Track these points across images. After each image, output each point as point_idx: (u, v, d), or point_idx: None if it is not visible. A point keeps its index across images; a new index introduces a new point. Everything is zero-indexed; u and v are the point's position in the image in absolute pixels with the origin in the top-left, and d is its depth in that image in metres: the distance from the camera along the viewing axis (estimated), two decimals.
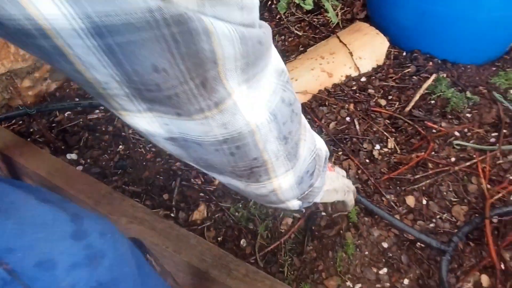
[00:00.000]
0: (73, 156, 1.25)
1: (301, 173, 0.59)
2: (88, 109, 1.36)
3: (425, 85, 1.36)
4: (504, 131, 1.30)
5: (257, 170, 0.53)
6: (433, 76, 1.38)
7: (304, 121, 0.59)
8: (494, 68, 1.51)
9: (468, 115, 1.34)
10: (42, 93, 1.41)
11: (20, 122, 1.34)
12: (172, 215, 1.14)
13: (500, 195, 1.14)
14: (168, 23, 0.32)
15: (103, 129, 1.31)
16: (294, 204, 0.65)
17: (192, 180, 1.20)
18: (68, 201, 0.54)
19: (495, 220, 1.13)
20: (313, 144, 0.61)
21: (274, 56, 0.47)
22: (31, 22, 0.30)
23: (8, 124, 1.33)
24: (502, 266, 1.05)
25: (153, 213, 1.02)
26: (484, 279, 1.04)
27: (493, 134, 1.30)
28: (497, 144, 1.25)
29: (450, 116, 1.33)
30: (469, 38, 1.40)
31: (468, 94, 1.38)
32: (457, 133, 1.30)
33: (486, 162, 1.22)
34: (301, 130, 0.56)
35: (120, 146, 1.27)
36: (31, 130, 1.31)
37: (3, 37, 0.33)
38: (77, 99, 1.40)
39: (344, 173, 0.93)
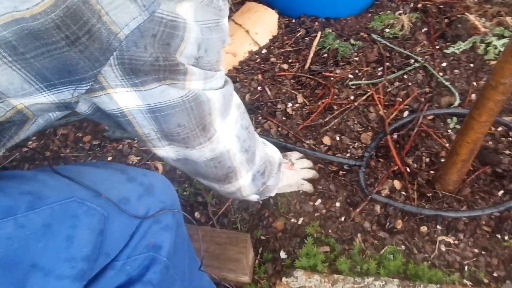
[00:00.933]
0: None
1: (254, 172, 0.89)
2: (21, 142, 1.42)
3: (315, 43, 1.57)
4: (387, 64, 1.55)
5: (230, 175, 0.83)
6: (319, 34, 1.59)
7: (257, 137, 0.90)
8: (369, 15, 1.76)
9: (356, 58, 1.57)
10: None
11: None
12: None
13: (394, 114, 1.38)
14: (190, 100, 0.62)
15: (41, 156, 1.38)
16: (254, 197, 0.97)
17: None
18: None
19: (395, 136, 1.36)
20: (264, 152, 0.93)
21: (235, 95, 0.76)
22: (120, 111, 0.59)
23: None
24: (408, 170, 1.28)
25: None
26: (396, 184, 1.27)
27: (379, 69, 1.54)
28: (384, 76, 1.49)
29: (342, 63, 1.55)
30: None
31: (352, 41, 1.61)
32: (350, 76, 1.52)
33: (379, 92, 1.46)
34: (256, 144, 0.87)
35: None
36: None
37: (95, 118, 0.64)
38: None
39: (307, 163, 1.27)
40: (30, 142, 1.43)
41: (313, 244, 1.12)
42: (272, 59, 1.59)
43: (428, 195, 1.22)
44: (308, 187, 1.24)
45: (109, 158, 1.36)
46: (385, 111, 1.40)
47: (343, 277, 1.06)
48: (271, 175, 0.98)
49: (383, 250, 1.11)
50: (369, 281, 1.04)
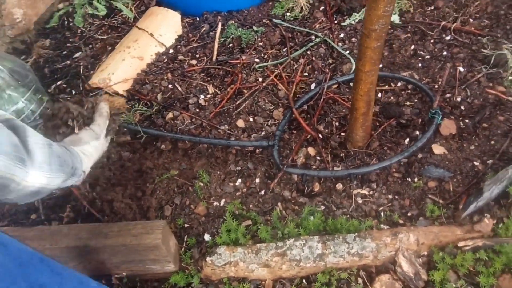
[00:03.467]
0: None
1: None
2: None
3: (217, 34, 1.60)
4: (290, 44, 1.60)
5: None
6: (220, 25, 1.63)
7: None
8: (270, 3, 1.82)
9: (260, 43, 1.61)
10: None
11: None
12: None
13: (300, 88, 1.42)
14: None
15: None
16: (69, 182, 0.84)
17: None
18: None
19: (305, 108, 1.40)
20: None
21: None
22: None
23: None
24: (321, 136, 1.32)
25: (18, 228, 1.08)
26: (311, 150, 1.30)
27: (284, 50, 1.59)
28: (287, 55, 1.54)
29: (247, 50, 1.59)
30: None
31: (255, 28, 1.65)
32: (257, 60, 1.56)
33: (285, 71, 1.50)
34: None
35: None
36: None
37: None
38: None
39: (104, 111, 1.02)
40: None
41: (233, 220, 1.12)
42: (180, 57, 1.61)
43: (341, 155, 1.26)
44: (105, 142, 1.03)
45: None
46: (290, 87, 1.44)
47: (266, 245, 1.06)
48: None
49: (303, 213, 1.13)
50: (290, 243, 1.05)
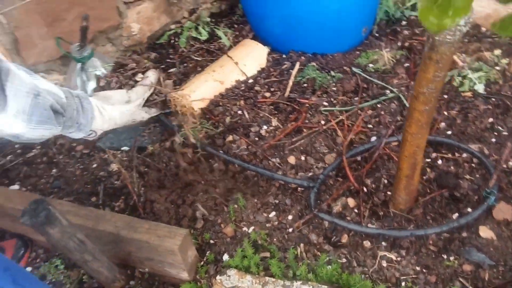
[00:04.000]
0: (15, 187, 1.49)
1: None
2: (27, 150, 1.62)
3: (294, 72, 1.68)
4: (363, 94, 1.61)
5: None
6: (298, 64, 1.71)
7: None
8: (357, 52, 1.85)
9: (334, 88, 1.65)
10: None
11: None
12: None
13: (350, 137, 1.42)
14: None
15: (39, 160, 1.57)
16: (75, 135, 0.87)
17: (113, 183, 1.45)
18: None
19: (358, 159, 1.40)
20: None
21: None
22: None
23: None
24: (366, 190, 1.30)
25: (76, 205, 1.26)
26: (350, 201, 1.29)
27: (355, 98, 1.61)
28: (356, 104, 1.55)
29: (319, 92, 1.64)
30: (324, 32, 1.75)
31: (333, 73, 1.70)
32: (325, 103, 1.60)
33: (348, 118, 1.52)
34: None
35: (54, 170, 1.53)
36: None
37: None
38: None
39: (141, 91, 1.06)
40: (34, 150, 1.63)
41: (253, 248, 1.16)
42: (257, 88, 1.72)
43: (380, 213, 1.23)
44: (140, 117, 1.09)
45: (94, 165, 1.52)
46: (348, 135, 1.45)
47: (274, 280, 1.08)
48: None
49: (321, 260, 1.13)
50: (297, 285, 1.05)
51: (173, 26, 2.15)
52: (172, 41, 2.07)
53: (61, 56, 1.69)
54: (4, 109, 0.66)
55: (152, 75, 0.98)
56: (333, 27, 1.74)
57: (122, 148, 1.56)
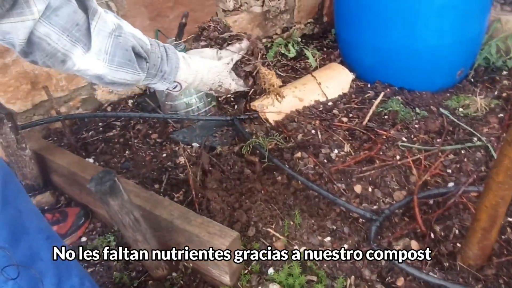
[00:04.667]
0: (90, 160, 1.59)
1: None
2: (108, 129, 1.72)
3: (376, 102, 1.63)
4: (447, 137, 1.51)
5: None
6: (382, 94, 1.65)
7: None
8: (448, 94, 1.75)
9: (416, 125, 1.57)
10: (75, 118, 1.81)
11: (55, 138, 1.72)
12: None
13: (425, 177, 1.33)
14: None
15: (116, 140, 1.66)
16: (159, 86, 0.84)
17: (178, 174, 1.49)
18: None
19: (430, 202, 1.30)
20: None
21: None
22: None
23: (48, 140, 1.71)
24: (432, 236, 1.20)
25: (139, 187, 1.30)
26: (414, 244, 1.19)
27: (438, 140, 1.51)
28: (438, 146, 1.46)
29: (399, 127, 1.56)
30: (416, 67, 1.68)
31: (417, 110, 1.62)
32: (404, 139, 1.52)
33: (427, 159, 1.43)
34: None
35: (127, 152, 1.60)
36: (62, 144, 1.68)
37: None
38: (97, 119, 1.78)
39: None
40: (114, 130, 1.73)
41: (299, 267, 1.11)
42: (335, 111, 1.68)
43: (445, 264, 1.12)
44: (227, 89, 1.00)
45: (164, 155, 1.57)
46: (429, 178, 1.36)
47: None
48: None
49: None
50: None
51: (264, 40, 2.20)
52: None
53: None
54: (89, 49, 0.67)
55: (244, 42, 0.97)
56: (427, 64, 1.67)
57: (193, 144, 1.60)
